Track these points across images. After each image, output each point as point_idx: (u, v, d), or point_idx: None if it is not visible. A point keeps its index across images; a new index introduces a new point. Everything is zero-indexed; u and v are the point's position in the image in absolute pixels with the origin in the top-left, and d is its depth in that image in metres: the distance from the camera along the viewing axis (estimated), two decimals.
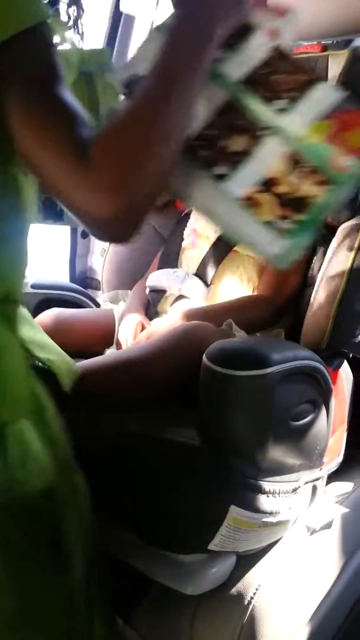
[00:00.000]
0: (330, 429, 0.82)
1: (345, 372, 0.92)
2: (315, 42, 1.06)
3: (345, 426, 0.94)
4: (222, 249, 0.99)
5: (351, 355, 0.90)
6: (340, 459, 0.94)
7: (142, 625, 0.85)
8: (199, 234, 1.03)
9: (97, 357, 0.74)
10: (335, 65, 0.98)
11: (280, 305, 0.93)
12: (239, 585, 0.79)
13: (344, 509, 0.92)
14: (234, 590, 0.79)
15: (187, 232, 1.07)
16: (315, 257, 0.95)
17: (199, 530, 0.73)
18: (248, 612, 0.78)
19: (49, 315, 0.93)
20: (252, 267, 0.97)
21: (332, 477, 0.93)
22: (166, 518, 0.73)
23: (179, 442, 0.71)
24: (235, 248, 0.98)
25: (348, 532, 0.97)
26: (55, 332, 0.91)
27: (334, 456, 0.92)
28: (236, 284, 0.97)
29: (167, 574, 0.79)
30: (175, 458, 0.72)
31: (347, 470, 0.98)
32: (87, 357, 0.94)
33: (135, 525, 0.76)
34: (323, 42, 1.07)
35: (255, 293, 0.96)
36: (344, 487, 0.96)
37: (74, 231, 1.64)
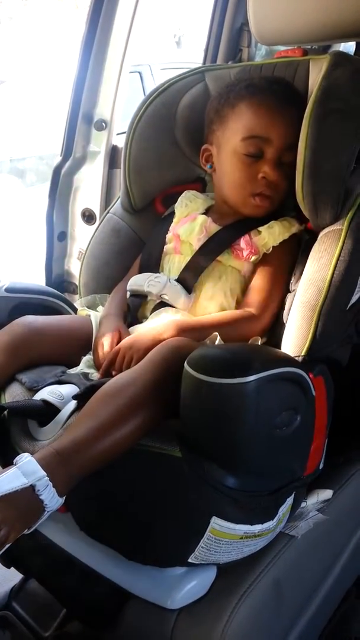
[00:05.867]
0: (312, 437, 0.81)
1: (326, 378, 0.91)
2: (295, 47, 1.06)
3: (326, 433, 0.93)
4: (205, 257, 0.97)
5: (332, 360, 0.90)
6: (321, 466, 0.93)
7: None
8: (182, 241, 1.02)
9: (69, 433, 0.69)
10: (316, 70, 0.98)
11: (266, 324, 0.92)
12: (220, 598, 0.78)
13: (324, 517, 0.91)
14: (214, 603, 0.78)
15: (169, 236, 1.05)
16: (297, 263, 0.95)
17: (178, 543, 0.71)
18: (230, 625, 0.77)
19: (21, 323, 0.90)
20: (235, 277, 0.96)
21: (313, 484, 0.92)
22: (145, 530, 0.71)
23: (158, 452, 0.70)
24: (218, 258, 0.97)
25: (329, 539, 0.96)
26: (28, 341, 0.88)
27: (315, 463, 0.91)
28: (218, 294, 0.96)
29: (145, 587, 0.77)
30: (155, 469, 0.70)
31: (328, 477, 0.97)
32: (65, 365, 0.92)
33: (112, 538, 0.74)
34: (303, 46, 1.06)
35: (239, 306, 0.95)
36: (325, 494, 0.95)
37: (50, 233, 1.61)
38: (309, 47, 1.09)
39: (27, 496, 0.62)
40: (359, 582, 1.07)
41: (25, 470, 0.62)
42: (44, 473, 0.63)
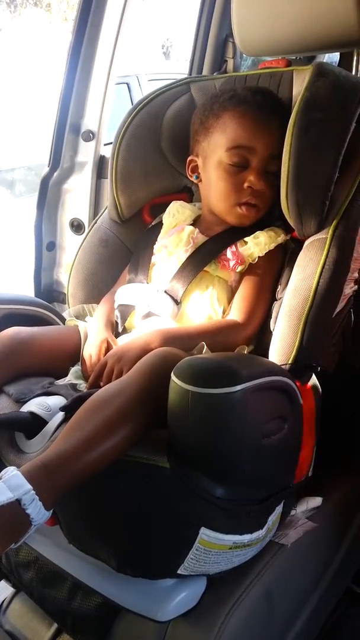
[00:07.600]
0: (300, 444, 0.81)
1: (313, 385, 0.92)
2: (279, 57, 1.07)
3: (314, 440, 0.93)
4: (192, 268, 0.98)
5: (319, 368, 0.90)
6: (310, 473, 0.93)
7: None
8: (169, 251, 1.02)
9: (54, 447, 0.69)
10: (300, 80, 0.99)
11: (252, 332, 0.92)
12: (211, 609, 0.78)
13: (314, 524, 0.91)
14: (205, 614, 0.77)
15: (157, 247, 1.06)
16: (283, 272, 0.95)
17: (167, 555, 0.71)
18: (221, 636, 0.76)
19: (8, 335, 0.89)
20: (222, 287, 0.97)
21: (302, 492, 0.92)
22: (133, 542, 0.70)
23: (146, 463, 0.69)
24: (205, 268, 0.98)
25: (319, 547, 0.96)
26: (15, 352, 0.88)
27: (304, 471, 0.91)
28: (205, 304, 0.96)
29: (135, 600, 0.76)
30: (143, 480, 0.69)
31: (317, 485, 0.97)
32: (53, 376, 0.91)
33: (101, 551, 0.73)
34: (287, 57, 1.08)
35: (226, 316, 0.95)
36: (314, 501, 0.95)
37: (39, 243, 1.61)
38: (294, 57, 1.10)
39: (13, 510, 0.61)
40: (350, 591, 1.07)
41: (11, 485, 0.62)
42: (30, 487, 0.62)
